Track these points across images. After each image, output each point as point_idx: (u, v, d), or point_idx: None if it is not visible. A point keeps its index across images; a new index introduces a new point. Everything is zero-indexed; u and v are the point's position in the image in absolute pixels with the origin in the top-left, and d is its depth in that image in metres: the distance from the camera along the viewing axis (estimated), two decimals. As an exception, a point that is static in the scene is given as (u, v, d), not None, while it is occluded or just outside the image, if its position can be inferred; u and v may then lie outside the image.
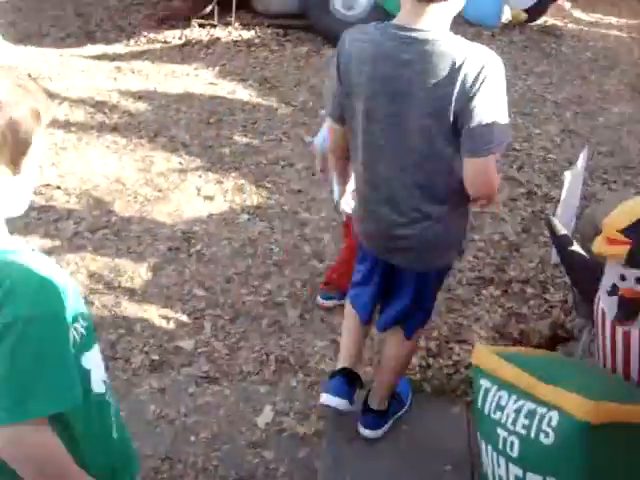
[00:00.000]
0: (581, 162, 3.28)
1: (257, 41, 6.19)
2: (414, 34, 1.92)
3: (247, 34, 6.31)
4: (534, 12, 6.73)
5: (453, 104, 1.89)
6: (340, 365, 2.45)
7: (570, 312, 3.02)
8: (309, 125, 4.67)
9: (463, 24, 6.46)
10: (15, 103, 1.18)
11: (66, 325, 1.23)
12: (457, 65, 1.86)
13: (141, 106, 4.98)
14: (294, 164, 4.30)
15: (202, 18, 6.50)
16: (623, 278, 1.98)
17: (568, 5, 7.61)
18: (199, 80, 5.49)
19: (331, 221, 3.73)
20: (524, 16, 6.69)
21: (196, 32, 6.39)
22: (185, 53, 6.07)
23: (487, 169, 1.97)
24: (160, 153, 4.38)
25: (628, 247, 1.93)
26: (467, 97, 1.87)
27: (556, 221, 2.47)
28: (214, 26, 6.40)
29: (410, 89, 1.94)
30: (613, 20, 7.43)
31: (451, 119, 1.91)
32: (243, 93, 5.22)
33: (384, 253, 2.25)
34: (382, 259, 2.28)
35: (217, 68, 5.70)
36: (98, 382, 1.35)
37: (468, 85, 1.87)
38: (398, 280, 2.30)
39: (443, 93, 1.89)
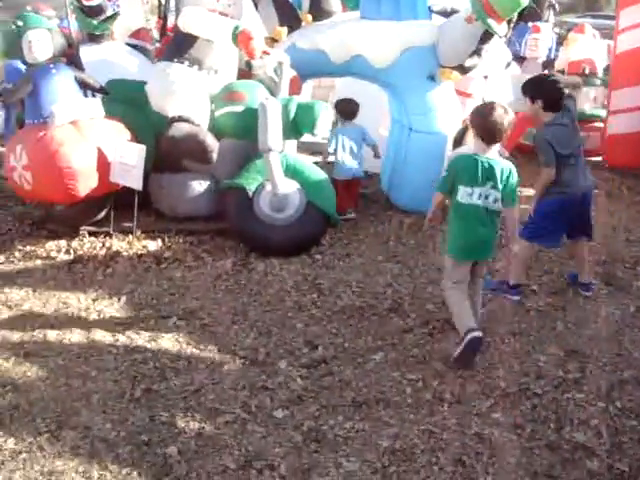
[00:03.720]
0: None
1: (168, 254, 5.08)
2: None
3: (153, 244, 5.20)
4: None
5: None
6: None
7: None
8: (275, 391, 3.53)
9: (398, 212, 5.76)
10: None
11: None
12: None
13: (25, 376, 3.65)
14: None
15: (94, 225, 5.33)
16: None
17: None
18: (104, 320, 4.25)
19: None
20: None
21: (87, 244, 5.19)
22: (76, 274, 4.85)
23: None
24: (69, 464, 3.04)
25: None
26: None
27: None
28: (110, 235, 5.24)
29: None
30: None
31: None
32: (169, 340, 4.02)
33: None
34: None
35: (123, 298, 4.50)
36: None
37: None
38: None
39: None
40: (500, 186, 3.69)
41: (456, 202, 3.77)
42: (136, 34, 8.13)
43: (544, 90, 4.39)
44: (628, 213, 6.82)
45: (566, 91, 4.47)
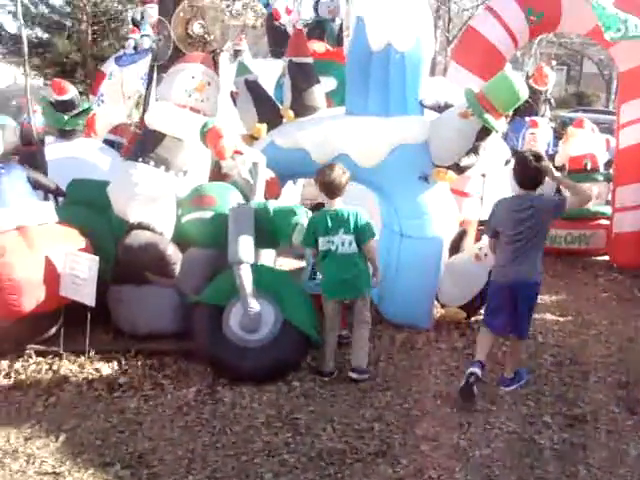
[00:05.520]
0: None
1: (123, 380, 4.40)
2: None
3: (107, 368, 4.53)
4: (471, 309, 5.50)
5: None
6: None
7: None
8: None
9: (389, 327, 5.13)
10: None
11: None
12: None
13: None
14: None
15: (43, 343, 4.68)
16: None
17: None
18: (31, 467, 3.54)
19: None
20: (462, 314, 5.43)
21: (33, 365, 4.53)
22: (12, 404, 4.17)
23: None
24: None
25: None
26: None
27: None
28: (59, 356, 4.58)
29: None
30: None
31: None
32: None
33: None
34: None
35: (62, 438, 3.80)
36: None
37: None
38: None
39: None
40: (352, 229, 4.32)
41: (319, 251, 4.41)
42: (114, 130, 7.75)
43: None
44: (644, 320, 6.19)
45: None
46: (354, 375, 4.43)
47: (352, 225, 4.34)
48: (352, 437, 3.84)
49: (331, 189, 4.36)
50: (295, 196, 8.44)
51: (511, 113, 10.90)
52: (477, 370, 4.28)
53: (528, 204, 4.27)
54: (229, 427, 3.91)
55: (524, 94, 4.88)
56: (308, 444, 3.76)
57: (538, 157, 4.29)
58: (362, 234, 4.35)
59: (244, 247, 4.37)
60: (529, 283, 4.35)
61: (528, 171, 4.30)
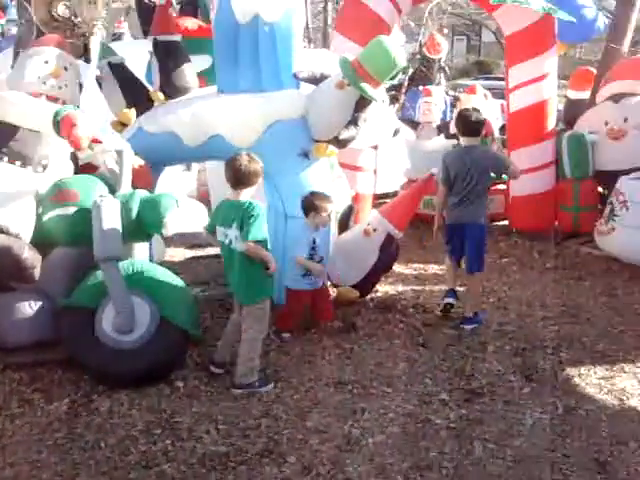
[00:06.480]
0: None
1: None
2: None
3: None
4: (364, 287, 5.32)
5: None
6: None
7: None
8: None
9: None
10: None
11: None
12: None
13: None
14: None
15: None
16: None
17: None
18: None
19: None
20: (355, 293, 5.25)
21: None
22: None
23: None
24: None
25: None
26: None
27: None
28: None
29: None
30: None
31: None
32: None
33: None
34: None
35: None
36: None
37: None
38: None
39: None
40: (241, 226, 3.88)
41: (218, 241, 4.07)
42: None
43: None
44: (543, 282, 6.18)
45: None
46: (235, 391, 4.06)
47: (243, 220, 3.90)
48: (237, 437, 3.59)
49: (237, 179, 3.96)
50: (190, 183, 8.10)
51: (406, 83, 10.95)
52: (451, 300, 5.14)
53: (473, 153, 4.97)
54: (104, 440, 3.58)
55: (401, 60, 4.67)
56: (189, 450, 3.48)
57: (477, 110, 5.23)
58: (246, 231, 3.87)
59: (110, 243, 4.02)
60: (475, 224, 4.96)
61: (470, 122, 4.98)
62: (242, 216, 3.86)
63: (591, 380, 4.28)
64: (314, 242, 4.71)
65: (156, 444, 3.53)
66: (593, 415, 3.87)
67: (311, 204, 4.71)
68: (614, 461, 3.43)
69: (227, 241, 3.96)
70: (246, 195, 3.97)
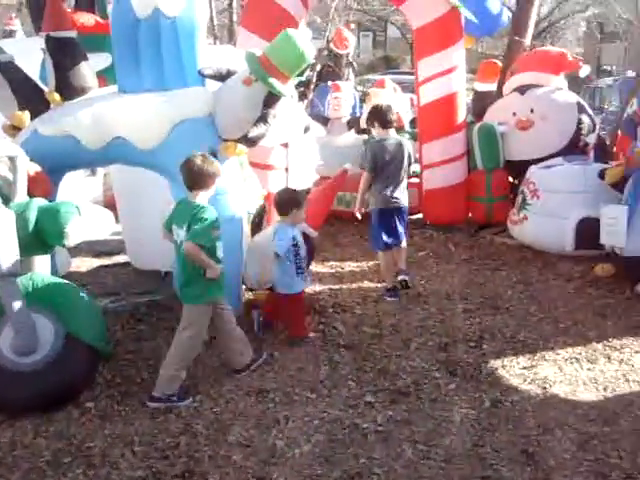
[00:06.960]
0: None
1: None
2: None
3: None
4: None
5: None
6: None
7: None
8: None
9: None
10: None
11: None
12: None
13: None
14: None
15: None
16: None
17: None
18: None
19: None
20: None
21: None
22: None
23: None
24: None
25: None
26: None
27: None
28: None
29: None
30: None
31: None
32: None
33: None
34: None
35: None
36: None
37: None
38: None
39: None
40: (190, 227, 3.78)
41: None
42: None
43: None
44: (460, 274, 6.18)
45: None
46: (152, 404, 3.86)
47: (189, 223, 3.80)
48: (155, 459, 3.35)
49: (188, 181, 3.88)
50: (96, 188, 7.74)
51: (315, 79, 10.85)
52: (404, 277, 5.57)
53: (398, 142, 5.50)
54: (5, 476, 3.27)
55: (310, 54, 4.52)
56: (103, 477, 3.23)
57: (389, 105, 5.68)
58: (193, 231, 3.75)
59: (4, 257, 3.69)
60: (404, 208, 5.57)
61: (385, 114, 5.49)
62: (191, 218, 3.77)
63: (514, 371, 4.26)
64: (294, 239, 4.52)
65: (66, 475, 3.26)
66: (519, 406, 3.85)
67: (293, 200, 4.56)
68: (541, 451, 3.41)
69: (178, 241, 3.88)
70: (202, 198, 3.89)
